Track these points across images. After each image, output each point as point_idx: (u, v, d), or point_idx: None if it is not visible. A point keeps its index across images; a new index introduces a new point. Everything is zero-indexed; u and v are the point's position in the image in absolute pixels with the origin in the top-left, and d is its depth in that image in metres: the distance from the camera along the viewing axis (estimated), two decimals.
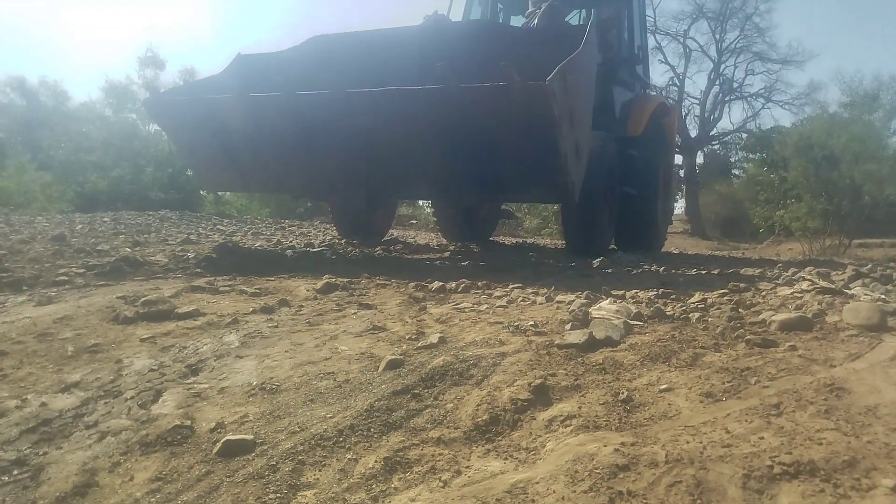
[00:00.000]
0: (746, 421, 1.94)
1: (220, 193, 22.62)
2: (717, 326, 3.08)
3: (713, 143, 35.92)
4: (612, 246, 8.10)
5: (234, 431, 2.17)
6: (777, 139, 23.04)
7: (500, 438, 2.07)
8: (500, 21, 9.17)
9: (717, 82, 34.03)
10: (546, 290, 4.27)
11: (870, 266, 5.90)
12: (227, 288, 4.33)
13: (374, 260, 6.48)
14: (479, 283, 4.60)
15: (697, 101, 34.46)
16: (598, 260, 6.07)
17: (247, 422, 2.24)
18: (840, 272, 5.14)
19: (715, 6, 32.74)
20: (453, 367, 2.58)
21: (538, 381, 2.35)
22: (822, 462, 1.66)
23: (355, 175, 6.12)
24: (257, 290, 4.27)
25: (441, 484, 1.80)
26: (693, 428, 1.93)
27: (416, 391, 2.39)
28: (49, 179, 19.81)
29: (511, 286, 4.56)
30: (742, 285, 4.35)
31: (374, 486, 1.81)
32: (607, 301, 3.58)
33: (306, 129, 5.67)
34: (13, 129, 27.84)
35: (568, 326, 3.10)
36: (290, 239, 8.63)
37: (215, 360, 2.88)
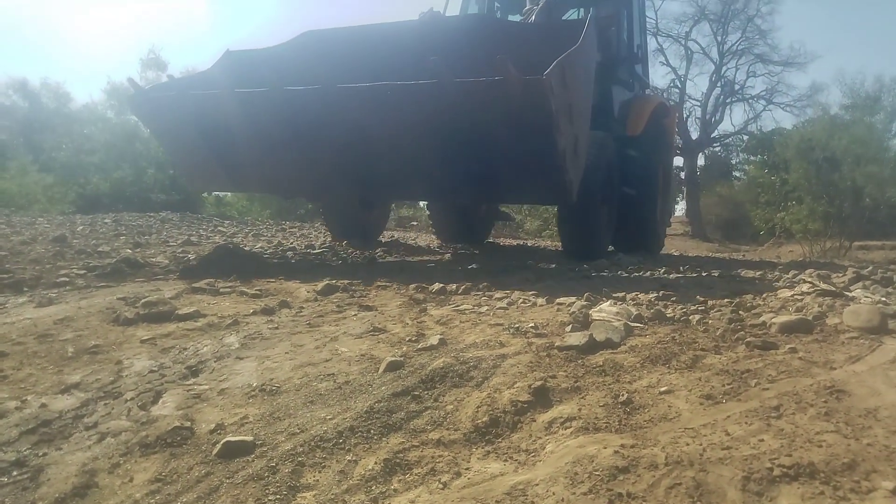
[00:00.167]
0: (746, 423, 1.94)
1: (220, 195, 22.63)
2: (718, 328, 3.07)
3: (714, 145, 35.91)
4: (611, 248, 8.01)
5: (234, 433, 2.17)
6: (778, 141, 23.02)
7: (499, 440, 2.07)
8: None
9: (719, 84, 34.03)
10: (546, 293, 4.27)
11: (870, 268, 5.89)
12: (228, 289, 4.33)
13: (374, 262, 6.48)
14: (480, 285, 4.60)
15: (699, 103, 34.46)
16: (598, 262, 6.07)
17: (247, 423, 2.24)
18: (841, 274, 5.14)
19: (716, 8, 32.76)
20: (453, 368, 2.58)
21: (538, 383, 2.35)
22: (821, 464, 1.66)
23: (347, 174, 5.96)
24: (258, 292, 4.27)
25: (441, 486, 1.80)
26: (693, 430, 1.92)
27: (416, 393, 2.39)
28: (51, 181, 19.84)
29: (511, 288, 4.56)
30: (744, 290, 4.35)
31: (373, 488, 1.81)
32: (607, 303, 3.58)
33: (295, 126, 5.51)
34: (15, 130, 27.89)
35: (568, 328, 3.10)
36: (291, 240, 8.63)
37: (215, 362, 2.88)
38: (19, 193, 18.27)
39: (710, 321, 3.27)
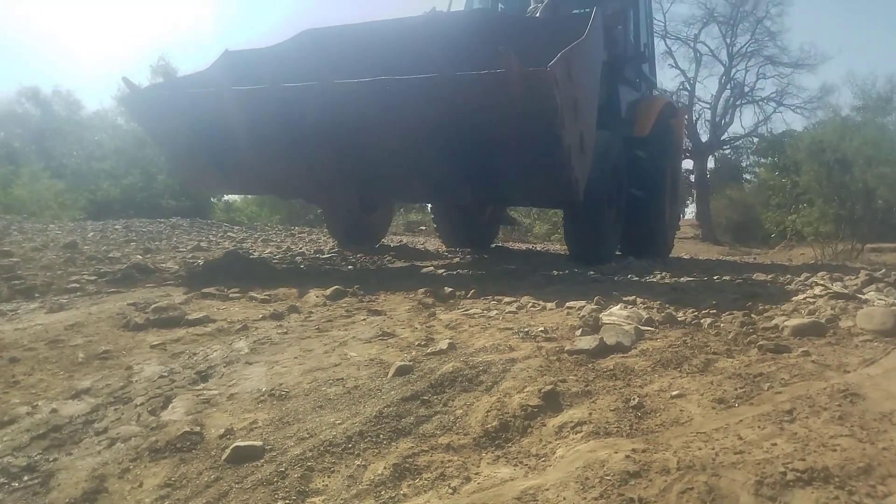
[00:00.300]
0: (759, 427, 1.92)
1: (229, 201, 22.73)
2: (730, 332, 3.05)
3: (724, 147, 35.83)
4: (618, 252, 7.83)
5: (244, 438, 2.17)
6: (789, 143, 22.94)
7: (509, 445, 2.06)
8: None
9: (729, 86, 33.97)
10: (556, 296, 4.25)
11: (883, 271, 5.83)
12: (237, 294, 4.34)
13: (382, 266, 6.48)
14: (489, 289, 4.58)
15: (708, 106, 34.41)
16: (608, 266, 6.03)
17: (256, 428, 2.24)
18: (853, 277, 5.09)
19: (725, 10, 32.74)
20: (463, 373, 2.57)
21: (548, 388, 2.34)
22: (836, 469, 1.64)
23: (345, 174, 5.77)
24: (267, 297, 4.28)
25: (450, 490, 1.79)
26: (705, 434, 1.91)
27: (425, 397, 2.38)
28: (62, 187, 20.00)
29: (521, 292, 4.55)
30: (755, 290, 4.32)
31: (383, 493, 1.81)
32: (618, 307, 3.56)
33: (293, 124, 5.36)
34: (27, 138, 28.17)
35: (578, 332, 3.08)
36: (300, 246, 8.65)
37: (225, 367, 2.88)
38: (31, 200, 18.43)
39: (721, 324, 3.24)
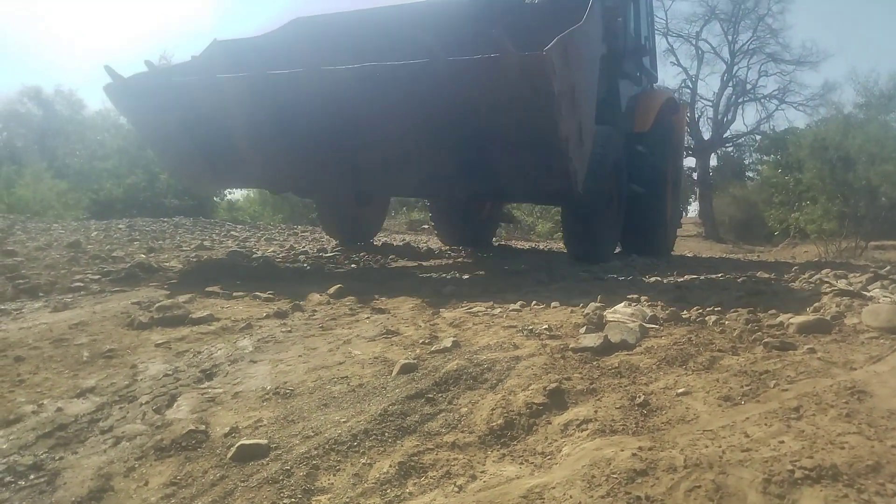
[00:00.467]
0: (766, 425, 1.91)
1: (233, 200, 22.73)
2: (735, 329, 3.04)
3: (727, 145, 35.75)
4: (618, 250, 7.77)
5: (249, 436, 2.17)
6: (791, 141, 22.85)
7: (515, 443, 2.05)
8: None
9: (731, 84, 33.88)
10: (560, 294, 4.24)
11: (888, 268, 5.82)
12: (241, 293, 4.34)
13: (386, 264, 6.48)
14: (493, 287, 4.58)
15: (710, 104, 34.34)
16: (612, 264, 6.00)
17: (261, 426, 2.24)
18: (858, 274, 5.07)
19: (727, 7, 32.65)
20: (467, 371, 2.57)
21: (553, 385, 2.33)
22: (844, 466, 1.63)
23: (336, 166, 5.55)
24: (270, 296, 4.27)
25: (456, 489, 1.79)
26: (711, 432, 1.90)
27: (430, 395, 2.38)
28: (65, 187, 20.02)
29: (524, 290, 4.54)
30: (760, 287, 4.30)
31: (388, 491, 1.80)
32: (622, 304, 3.55)
33: (281, 114, 5.14)
34: (30, 137, 28.24)
35: (583, 330, 3.08)
36: (303, 244, 8.64)
37: (229, 365, 2.88)
38: (34, 200, 18.46)
39: (726, 322, 3.23)
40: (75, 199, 19.21)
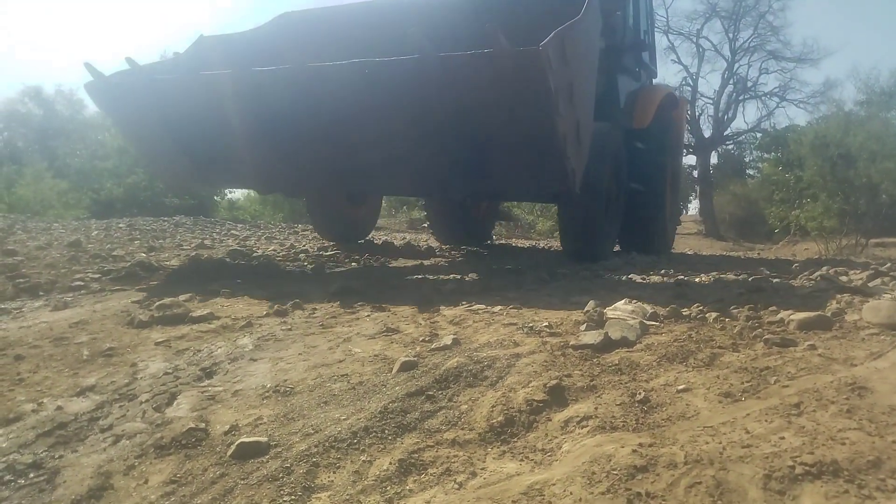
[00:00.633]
0: (766, 421, 1.91)
1: (233, 199, 22.72)
2: (735, 326, 3.03)
3: (727, 142, 35.68)
4: (617, 248, 7.68)
5: (249, 434, 2.17)
6: (792, 138, 22.79)
7: (515, 440, 2.05)
8: None
9: (731, 81, 33.82)
10: (560, 292, 4.24)
11: (889, 265, 5.81)
12: (241, 291, 4.34)
13: (386, 263, 6.47)
14: (493, 285, 4.57)
15: (711, 101, 34.26)
16: (612, 261, 5.98)
17: (261, 424, 2.24)
18: (858, 271, 5.07)
19: (728, 5, 32.57)
20: (467, 368, 2.57)
21: (553, 382, 2.33)
22: (845, 462, 1.63)
23: (325, 166, 5.37)
24: (271, 294, 4.27)
25: (456, 486, 1.78)
26: (712, 428, 1.90)
27: (430, 393, 2.38)
28: (65, 187, 20.05)
29: (525, 288, 4.54)
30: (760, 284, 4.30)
31: (388, 488, 1.80)
32: (622, 301, 3.54)
33: (267, 112, 4.98)
34: (31, 137, 28.25)
35: (583, 327, 3.07)
36: (304, 243, 8.64)
37: (229, 363, 2.88)
38: (35, 199, 18.48)
39: (727, 319, 3.23)
40: (76, 198, 19.24)
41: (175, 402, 2.48)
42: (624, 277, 5.25)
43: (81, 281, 4.66)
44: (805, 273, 5.17)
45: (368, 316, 3.69)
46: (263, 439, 2.09)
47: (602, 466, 1.72)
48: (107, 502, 1.88)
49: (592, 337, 2.82)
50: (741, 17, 32.70)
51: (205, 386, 2.63)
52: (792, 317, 3.05)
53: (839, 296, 3.64)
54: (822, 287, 4.14)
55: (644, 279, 5.02)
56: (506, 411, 2.18)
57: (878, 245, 17.17)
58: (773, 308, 3.41)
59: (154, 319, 3.55)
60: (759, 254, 14.39)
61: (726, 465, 1.66)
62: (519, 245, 11.26)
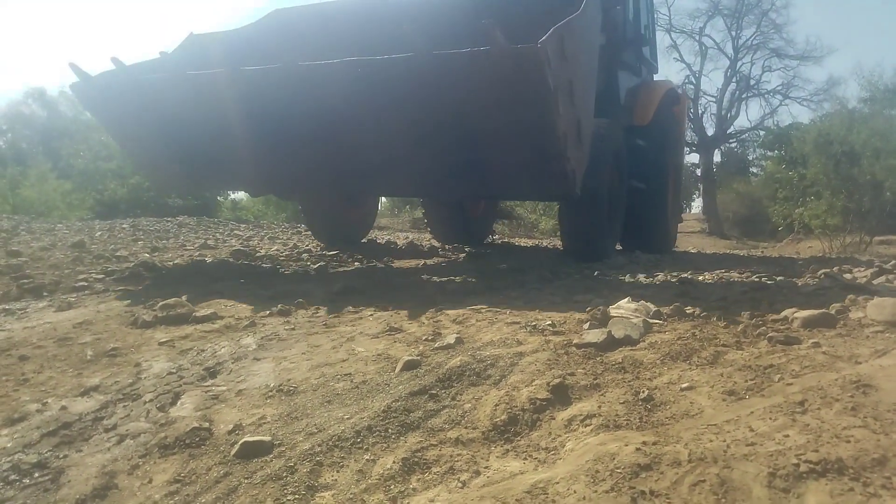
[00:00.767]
0: (771, 419, 1.90)
1: (236, 199, 22.74)
2: (739, 324, 3.03)
3: (730, 140, 35.62)
4: (619, 246, 7.60)
5: (252, 433, 2.17)
6: (796, 136, 22.73)
7: (518, 438, 2.05)
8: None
9: (734, 80, 33.74)
10: (563, 291, 4.23)
11: (893, 263, 5.79)
12: (245, 291, 4.34)
13: (389, 262, 6.47)
14: (496, 285, 4.57)
15: (714, 99, 34.20)
16: (615, 260, 5.96)
17: (264, 423, 2.24)
18: (863, 269, 5.05)
19: (730, 3, 32.52)
20: (471, 367, 2.57)
21: (557, 381, 2.32)
22: (850, 460, 1.62)
23: (319, 168, 5.23)
24: (274, 294, 4.28)
25: (460, 484, 1.78)
26: (716, 426, 1.89)
27: (433, 391, 2.38)
28: (69, 188, 20.07)
29: (528, 286, 4.53)
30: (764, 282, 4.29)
31: (392, 487, 1.80)
32: (626, 300, 3.54)
33: (257, 112, 4.85)
34: (34, 139, 28.33)
35: (586, 326, 3.07)
36: (307, 243, 8.64)
37: (233, 363, 2.88)
38: (39, 200, 18.52)
39: (730, 317, 3.22)
40: (79, 199, 19.26)
41: (179, 402, 2.48)
42: (627, 276, 5.24)
43: (85, 281, 4.67)
44: (809, 271, 5.15)
45: (371, 315, 3.69)
46: (267, 438, 2.10)
47: (606, 465, 1.72)
48: (111, 502, 1.88)
49: (596, 335, 2.81)
50: (744, 15, 32.67)
51: (208, 385, 2.64)
52: (796, 315, 3.04)
53: (843, 293, 3.63)
54: (826, 285, 4.13)
55: (647, 278, 5.01)
56: (509, 410, 2.18)
57: (882, 243, 17.11)
58: (777, 306, 3.41)
59: (157, 319, 3.55)
60: (762, 252, 14.37)
61: (730, 463, 1.66)
62: (521, 244, 11.25)
